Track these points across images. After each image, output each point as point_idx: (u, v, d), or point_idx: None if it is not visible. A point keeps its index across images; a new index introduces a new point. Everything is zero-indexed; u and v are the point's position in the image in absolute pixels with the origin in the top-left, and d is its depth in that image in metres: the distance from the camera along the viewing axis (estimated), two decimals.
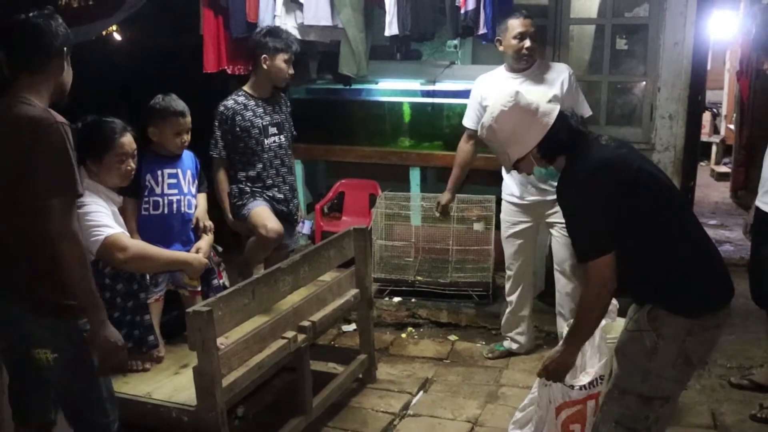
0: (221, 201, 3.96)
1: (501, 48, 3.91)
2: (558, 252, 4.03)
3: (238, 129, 3.88)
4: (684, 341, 2.25)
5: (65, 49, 2.34)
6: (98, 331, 2.29)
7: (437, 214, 4.30)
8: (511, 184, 4.01)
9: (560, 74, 3.90)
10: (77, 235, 2.23)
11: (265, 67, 3.88)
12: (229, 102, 3.91)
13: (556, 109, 2.40)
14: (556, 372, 2.44)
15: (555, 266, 4.07)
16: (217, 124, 3.92)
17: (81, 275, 2.23)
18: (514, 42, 3.80)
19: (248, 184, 3.94)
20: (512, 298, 4.21)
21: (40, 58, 2.29)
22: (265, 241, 3.80)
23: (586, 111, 3.98)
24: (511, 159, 2.42)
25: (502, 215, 4.16)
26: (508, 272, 4.21)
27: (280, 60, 3.86)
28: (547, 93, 3.75)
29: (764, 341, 3.90)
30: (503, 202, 4.13)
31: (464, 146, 4.14)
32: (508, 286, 4.24)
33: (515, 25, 3.80)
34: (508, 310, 4.25)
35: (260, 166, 3.94)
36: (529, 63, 3.88)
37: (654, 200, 2.28)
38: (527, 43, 3.79)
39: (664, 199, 2.32)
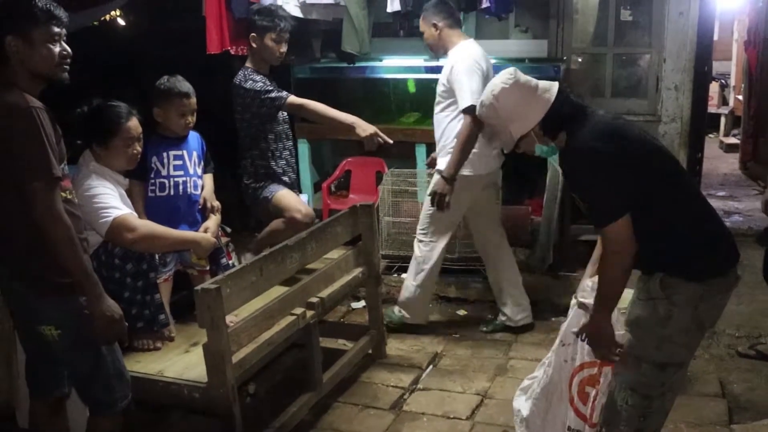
0: (330, 114, 3.89)
1: None
2: None
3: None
4: (696, 307, 2.26)
5: (12, 34, 2.21)
6: (94, 305, 2.33)
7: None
8: (489, 155, 3.97)
9: (449, 62, 3.90)
10: (62, 215, 2.25)
11: (254, 45, 3.85)
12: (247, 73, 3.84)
13: (555, 84, 2.39)
14: (597, 343, 2.38)
15: None
16: (258, 87, 3.79)
17: (70, 253, 2.26)
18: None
19: (259, 161, 3.88)
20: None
21: None
22: (299, 226, 3.71)
23: (463, 102, 3.75)
24: (514, 137, 2.39)
25: (466, 192, 4.00)
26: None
27: (269, 39, 3.81)
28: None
29: None
30: (473, 177, 3.96)
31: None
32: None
33: None
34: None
35: (272, 136, 3.90)
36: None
37: (657, 168, 2.28)
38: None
39: (666, 167, 2.32)
